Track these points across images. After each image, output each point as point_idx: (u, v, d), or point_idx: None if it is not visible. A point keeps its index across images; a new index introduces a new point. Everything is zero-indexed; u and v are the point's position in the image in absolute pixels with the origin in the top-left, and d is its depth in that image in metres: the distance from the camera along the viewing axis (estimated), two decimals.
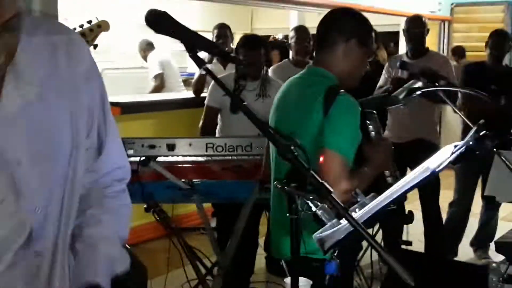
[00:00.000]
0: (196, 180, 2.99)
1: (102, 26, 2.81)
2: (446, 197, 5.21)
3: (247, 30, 10.00)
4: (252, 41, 3.96)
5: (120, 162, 1.36)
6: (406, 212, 2.78)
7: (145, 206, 2.86)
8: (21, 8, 1.18)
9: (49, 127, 1.13)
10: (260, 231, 3.91)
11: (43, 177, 1.13)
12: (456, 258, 4.63)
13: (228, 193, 3.07)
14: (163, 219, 2.83)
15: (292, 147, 1.21)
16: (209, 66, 5.18)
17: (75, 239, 1.23)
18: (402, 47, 8.99)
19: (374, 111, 2.20)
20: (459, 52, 6.24)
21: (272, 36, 10.15)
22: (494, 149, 1.99)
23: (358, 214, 1.56)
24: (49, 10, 3.83)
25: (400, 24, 6.64)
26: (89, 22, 2.81)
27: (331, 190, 1.19)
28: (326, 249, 1.50)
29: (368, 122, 2.18)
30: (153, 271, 3.66)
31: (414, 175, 1.54)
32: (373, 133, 2.18)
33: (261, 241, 4.00)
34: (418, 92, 2.18)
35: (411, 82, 2.27)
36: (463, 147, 1.64)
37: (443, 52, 8.70)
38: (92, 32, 2.80)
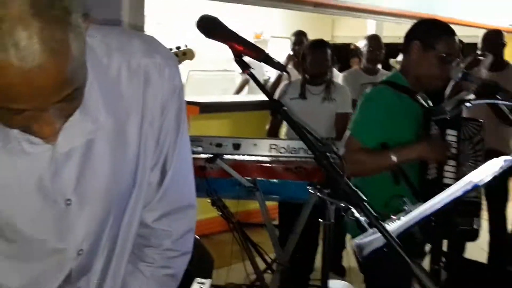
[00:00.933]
0: (259, 178, 3.01)
1: (187, 54, 2.86)
2: None
3: (328, 37, 9.95)
4: (317, 42, 4.05)
5: (182, 200, 1.19)
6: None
7: (208, 201, 2.90)
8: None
9: (106, 165, 1.01)
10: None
11: (93, 219, 1.03)
12: None
13: (289, 193, 3.08)
14: (225, 214, 2.87)
15: (328, 153, 1.19)
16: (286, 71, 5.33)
17: None
18: None
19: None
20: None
21: (353, 44, 10.08)
22: None
23: (396, 224, 1.52)
24: (137, 22, 3.97)
25: (478, 36, 6.40)
26: (178, 48, 2.86)
27: (365, 198, 1.17)
28: (364, 257, 1.47)
29: (434, 122, 2.22)
30: (218, 261, 3.73)
31: (457, 187, 1.49)
32: (434, 132, 2.22)
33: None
34: (468, 104, 2.11)
35: (462, 93, 2.20)
36: None
37: None
38: (177, 57, 2.86)
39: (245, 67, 1.27)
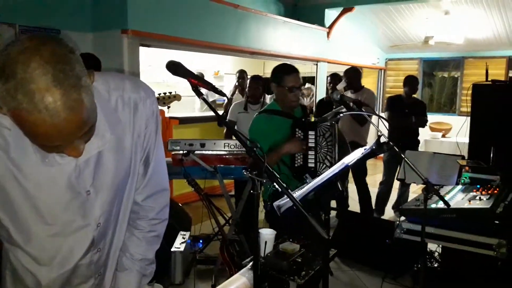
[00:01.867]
0: (218, 165, 3.00)
1: (176, 97, 2.84)
2: (377, 178, 5.16)
3: (261, 73, 9.98)
4: (255, 77, 4.09)
5: (160, 185, 1.18)
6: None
7: (185, 181, 2.86)
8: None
9: (111, 166, 1.01)
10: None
11: (105, 202, 1.02)
12: (383, 217, 4.60)
13: (237, 174, 3.06)
14: (196, 189, 2.84)
15: (254, 148, 1.20)
16: (233, 95, 5.25)
17: (123, 250, 1.15)
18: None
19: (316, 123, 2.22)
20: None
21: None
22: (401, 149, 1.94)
23: (300, 191, 1.53)
24: (134, 70, 3.88)
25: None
26: (170, 93, 2.84)
27: (278, 176, 1.19)
28: (281, 213, 1.47)
29: (298, 131, 2.21)
30: (194, 220, 3.70)
31: (336, 167, 1.52)
32: (298, 134, 2.21)
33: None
34: (341, 115, 2.18)
35: (338, 108, 2.24)
36: (369, 149, 1.62)
37: (378, 90, 8.74)
38: (170, 99, 2.84)
39: (199, 94, 1.24)
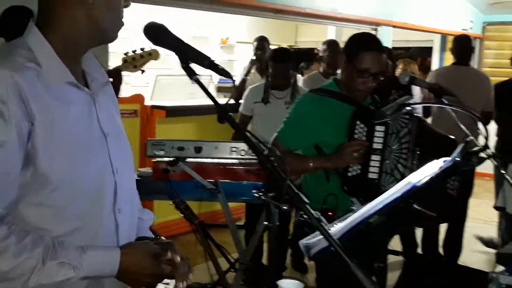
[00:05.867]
0: (221, 180, 3.00)
1: (153, 54, 2.85)
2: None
3: (292, 42, 10.00)
4: (279, 55, 3.98)
5: None
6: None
7: (170, 203, 2.88)
8: None
9: (125, 143, 1.43)
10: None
11: (128, 180, 1.41)
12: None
13: (250, 195, 3.03)
14: (187, 216, 2.84)
15: (271, 158, 1.19)
16: (248, 75, 5.22)
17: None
18: (435, 62, 8.86)
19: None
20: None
21: (316, 48, 10.19)
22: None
23: (339, 225, 1.52)
24: None
25: (433, 40, 6.51)
26: (142, 49, 2.86)
27: (307, 201, 1.17)
28: (311, 256, 1.48)
29: (359, 125, 2.30)
30: None
31: (397, 188, 1.50)
32: (355, 135, 2.30)
33: None
34: (408, 108, 2.14)
35: (403, 98, 2.22)
36: (450, 163, 1.59)
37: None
38: (143, 58, 2.85)
39: (191, 73, 1.25)
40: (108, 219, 1.32)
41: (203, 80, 1.25)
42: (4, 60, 1.16)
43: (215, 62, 1.26)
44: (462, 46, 4.71)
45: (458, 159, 1.60)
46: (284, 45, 8.35)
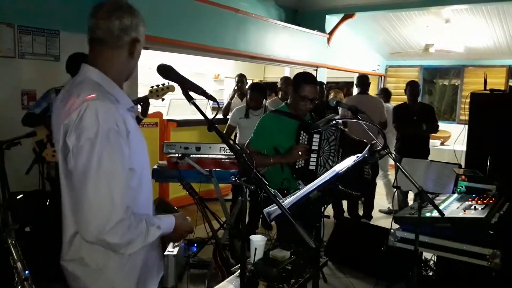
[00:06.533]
0: (214, 169, 2.99)
1: (170, 88, 2.80)
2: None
3: (261, 77, 9.99)
4: (256, 87, 4.02)
5: None
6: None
7: (179, 184, 2.84)
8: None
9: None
10: None
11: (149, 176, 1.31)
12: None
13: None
14: (191, 193, 2.81)
15: (243, 154, 1.19)
16: (232, 99, 5.19)
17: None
18: (355, 91, 8.95)
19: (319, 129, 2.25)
20: (384, 92, 6.15)
21: (277, 82, 10.19)
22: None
23: (290, 199, 1.51)
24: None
25: (354, 77, 6.62)
26: (163, 84, 2.82)
27: (266, 183, 1.17)
28: (271, 219, 1.46)
29: (302, 134, 2.27)
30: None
31: (326, 175, 1.51)
32: (300, 141, 2.27)
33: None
34: (333, 122, 2.16)
35: (331, 115, 2.24)
36: (361, 157, 1.61)
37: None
38: (163, 90, 2.80)
39: (189, 98, 1.24)
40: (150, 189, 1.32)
41: (202, 102, 1.24)
42: (103, 97, 1.10)
43: (206, 91, 1.25)
44: (363, 81, 4.79)
45: (367, 155, 1.62)
46: (257, 80, 8.37)
